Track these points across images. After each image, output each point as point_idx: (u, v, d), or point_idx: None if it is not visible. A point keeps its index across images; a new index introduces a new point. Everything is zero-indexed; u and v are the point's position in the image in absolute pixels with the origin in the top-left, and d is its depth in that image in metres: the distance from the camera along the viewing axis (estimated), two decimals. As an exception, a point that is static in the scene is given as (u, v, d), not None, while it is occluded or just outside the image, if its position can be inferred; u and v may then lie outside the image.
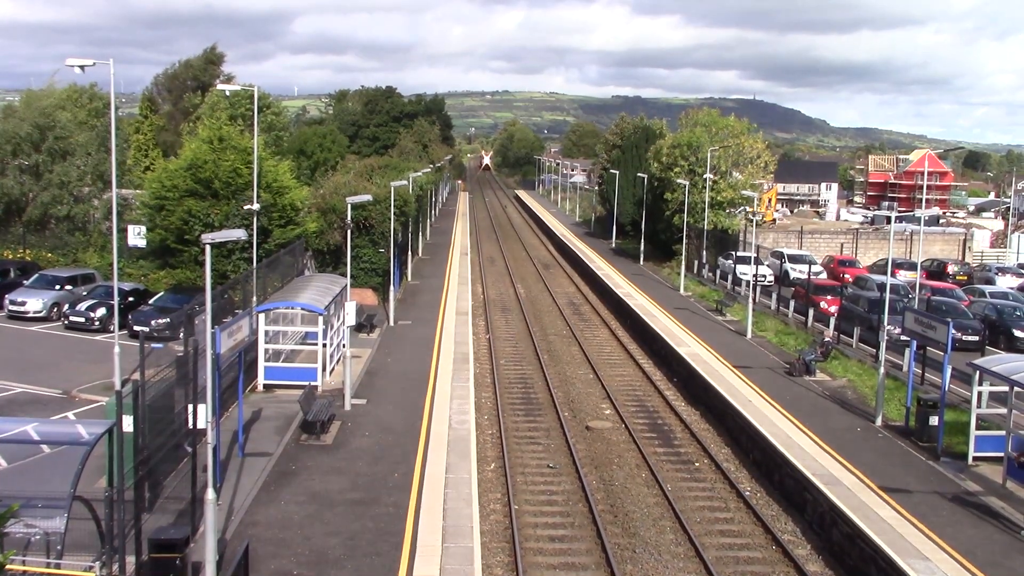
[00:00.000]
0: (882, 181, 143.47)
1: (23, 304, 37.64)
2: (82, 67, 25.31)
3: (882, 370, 28.37)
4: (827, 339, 36.84)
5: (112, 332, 29.10)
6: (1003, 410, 23.54)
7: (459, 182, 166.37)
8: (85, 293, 38.58)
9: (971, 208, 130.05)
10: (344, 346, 30.32)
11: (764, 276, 54.15)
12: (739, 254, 56.37)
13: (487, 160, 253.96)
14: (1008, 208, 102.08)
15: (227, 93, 63.35)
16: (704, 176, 56.25)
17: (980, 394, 24.14)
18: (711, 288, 54.63)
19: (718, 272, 57.48)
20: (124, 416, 16.75)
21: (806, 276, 47.67)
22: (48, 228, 48.54)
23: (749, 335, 40.40)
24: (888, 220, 58.03)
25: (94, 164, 48.28)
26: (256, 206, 35.07)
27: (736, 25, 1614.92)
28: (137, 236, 36.88)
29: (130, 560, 15.98)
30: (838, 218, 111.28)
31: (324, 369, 30.15)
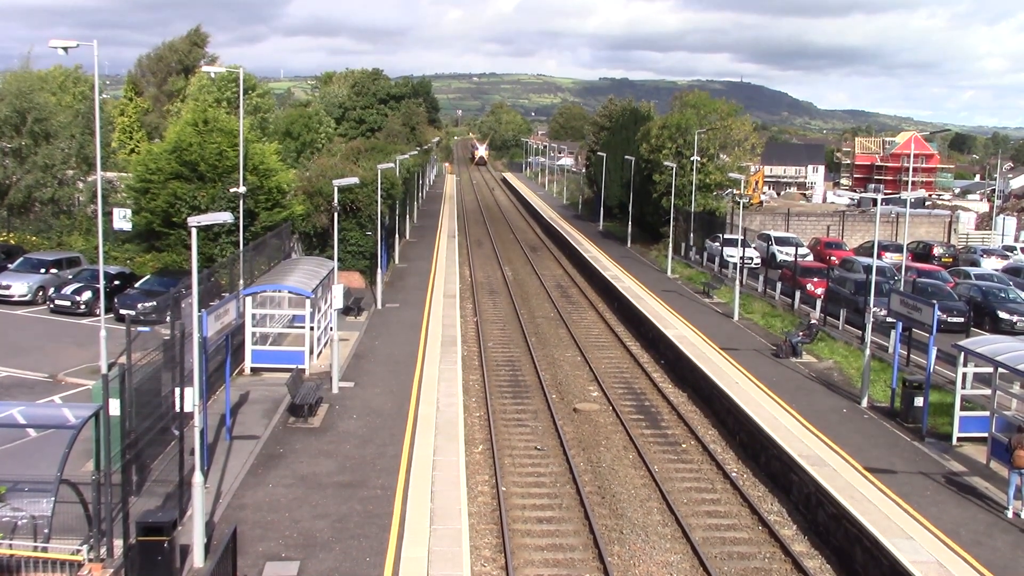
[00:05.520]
0: (869, 163, 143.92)
1: (8, 288, 37.39)
2: (65, 48, 25.04)
3: (868, 352, 28.52)
4: (813, 321, 37.00)
5: (98, 316, 28.96)
6: (987, 391, 23.70)
7: (446, 165, 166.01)
8: (70, 277, 38.35)
9: (957, 190, 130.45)
10: (331, 329, 30.27)
11: (751, 258, 54.28)
12: (726, 236, 56.45)
13: (482, 151, 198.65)
14: (993, 190, 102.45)
15: (212, 75, 62.87)
16: (692, 158, 56.27)
17: (964, 375, 24.27)
18: (698, 270, 54.75)
19: (705, 255, 57.59)
20: (111, 399, 16.70)
21: (793, 258, 47.83)
22: (32, 211, 48.19)
23: (736, 317, 40.53)
24: (874, 202, 58.17)
25: (78, 147, 47.92)
26: (242, 189, 34.91)
27: (731, 9, 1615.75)
28: (122, 219, 36.72)
29: (117, 543, 15.98)
30: (825, 200, 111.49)
31: (311, 352, 30.12)
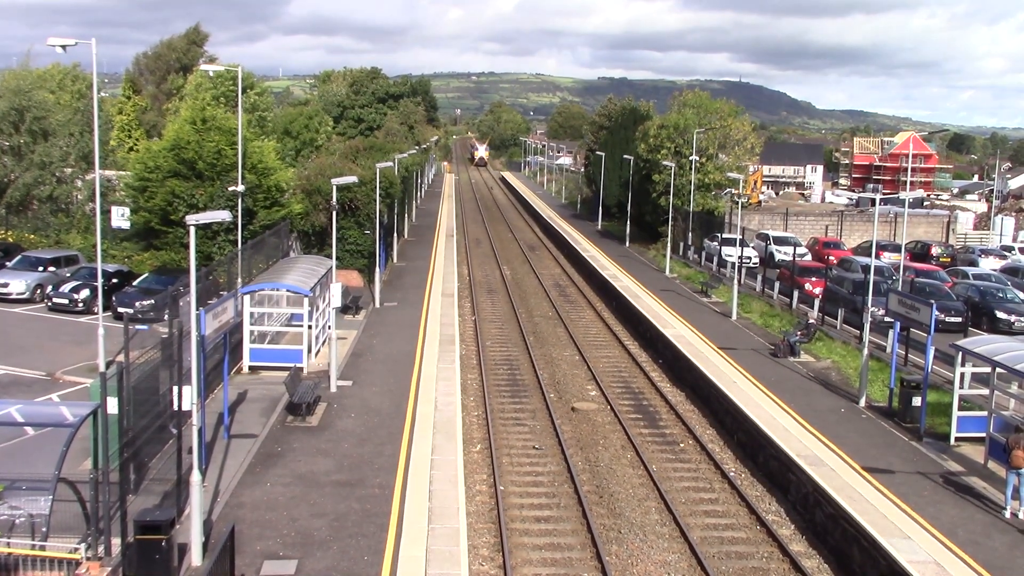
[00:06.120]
0: (867, 163, 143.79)
1: (6, 286, 37.36)
2: (64, 46, 25.04)
3: (866, 351, 28.53)
4: (811, 321, 37.01)
5: (96, 314, 28.97)
6: (985, 391, 23.72)
7: (445, 164, 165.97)
8: (68, 275, 38.33)
9: (955, 190, 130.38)
10: (329, 328, 30.27)
11: (749, 258, 54.27)
12: (724, 236, 56.46)
13: (482, 151, 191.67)
14: (992, 190, 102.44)
15: (210, 74, 62.80)
16: (691, 158, 56.27)
17: (963, 375, 24.29)
18: (696, 270, 54.75)
19: (703, 254, 57.58)
20: (109, 398, 16.70)
21: (791, 258, 47.82)
22: (30, 209, 48.18)
23: (734, 317, 40.54)
24: (872, 202, 58.22)
25: (77, 145, 47.89)
26: (241, 187, 34.89)
27: (731, 8, 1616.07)
28: (121, 218, 36.72)
29: (115, 542, 15.97)
30: (823, 200, 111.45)
31: (310, 351, 30.11)
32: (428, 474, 21.20)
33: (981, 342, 24.95)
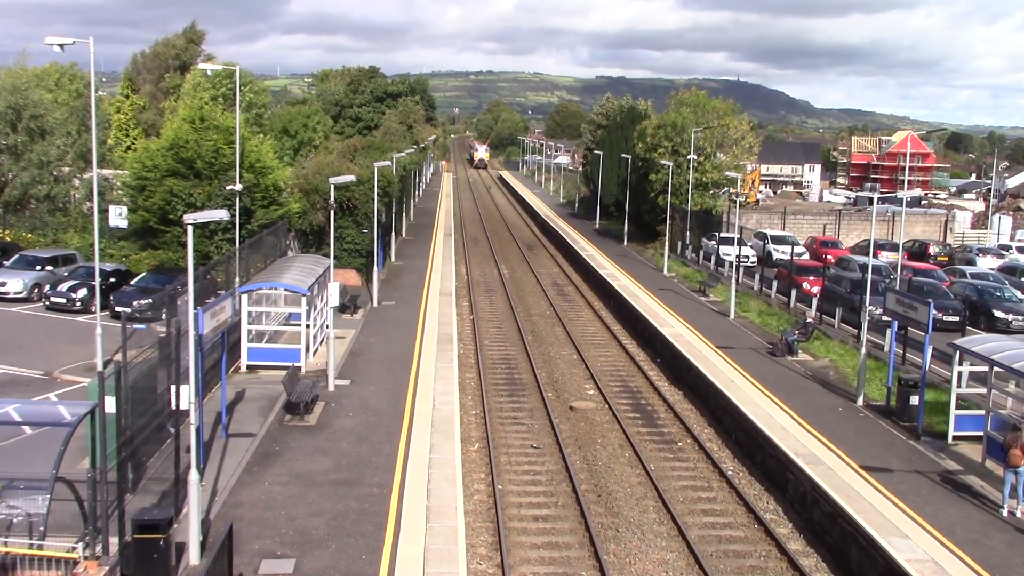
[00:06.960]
0: (865, 162, 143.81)
1: (3, 285, 37.32)
2: (61, 45, 25.02)
3: (863, 350, 28.55)
4: (809, 320, 37.04)
5: (94, 313, 28.94)
6: (983, 390, 23.75)
7: (443, 163, 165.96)
8: (66, 274, 38.28)
9: (953, 189, 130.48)
10: (327, 327, 30.27)
11: (747, 257, 54.30)
12: (722, 235, 56.47)
13: (481, 152, 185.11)
14: (989, 190, 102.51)
15: (208, 73, 62.78)
16: (688, 157, 56.28)
17: (960, 374, 24.33)
18: (694, 269, 54.77)
19: (701, 253, 57.61)
20: (106, 397, 16.70)
21: (789, 257, 47.84)
22: (28, 208, 48.12)
23: (732, 316, 40.56)
24: (870, 201, 58.27)
25: (75, 144, 47.83)
26: (239, 186, 34.87)
27: (730, 8, 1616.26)
28: (119, 217, 36.68)
29: (113, 541, 15.96)
30: (821, 199, 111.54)
31: (307, 350, 30.09)
32: (426, 473, 21.20)
33: (979, 341, 24.97)
